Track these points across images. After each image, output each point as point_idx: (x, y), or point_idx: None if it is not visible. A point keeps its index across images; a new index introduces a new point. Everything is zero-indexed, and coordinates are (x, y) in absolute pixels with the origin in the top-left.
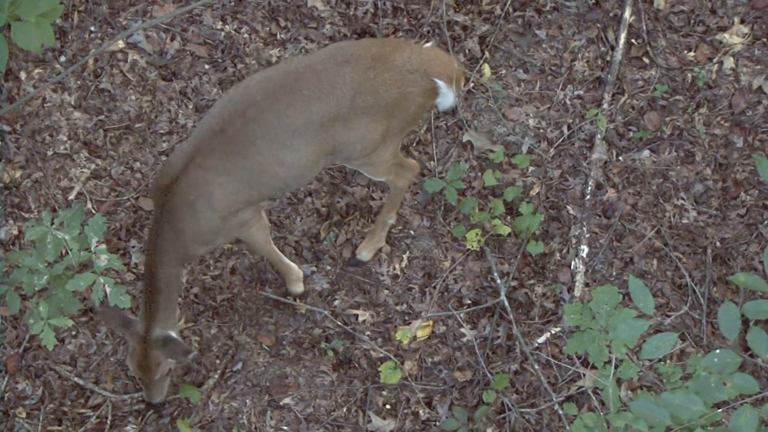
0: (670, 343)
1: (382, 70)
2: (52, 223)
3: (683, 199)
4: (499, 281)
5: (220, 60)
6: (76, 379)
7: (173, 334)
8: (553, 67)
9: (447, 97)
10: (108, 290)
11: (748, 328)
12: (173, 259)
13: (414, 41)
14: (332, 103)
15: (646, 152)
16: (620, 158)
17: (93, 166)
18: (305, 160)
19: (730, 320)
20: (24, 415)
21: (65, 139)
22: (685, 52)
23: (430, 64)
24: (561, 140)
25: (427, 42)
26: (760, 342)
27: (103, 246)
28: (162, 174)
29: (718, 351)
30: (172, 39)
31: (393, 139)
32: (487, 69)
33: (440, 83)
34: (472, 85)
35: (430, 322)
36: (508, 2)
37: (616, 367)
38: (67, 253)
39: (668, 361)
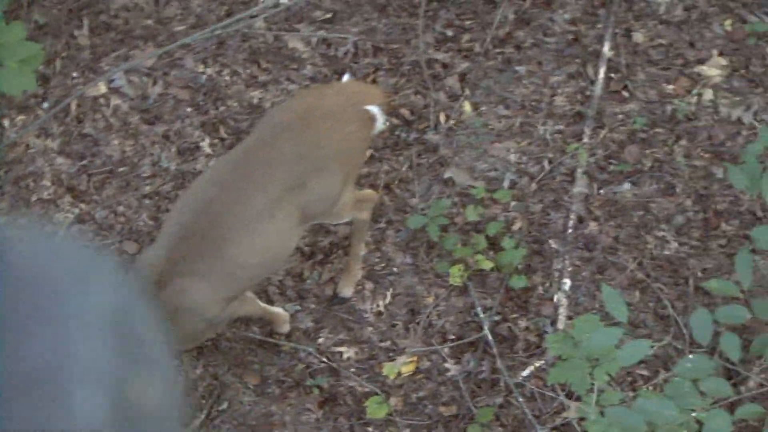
0: (644, 350)
1: (316, 123)
2: None
3: (664, 230)
4: (482, 316)
5: (202, 102)
6: None
7: None
8: (533, 103)
9: (381, 121)
10: None
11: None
12: None
13: (394, 80)
14: (284, 175)
15: (627, 185)
16: (601, 191)
17: (77, 210)
18: (276, 241)
19: (703, 326)
20: None
21: (49, 184)
22: (665, 85)
23: (356, 96)
24: (542, 175)
25: (342, 76)
26: (732, 346)
27: None
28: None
29: (691, 356)
30: (154, 83)
31: (350, 181)
32: (467, 106)
33: (373, 109)
34: (453, 122)
35: (415, 358)
36: (488, 39)
37: (598, 394)
38: None
39: (649, 388)
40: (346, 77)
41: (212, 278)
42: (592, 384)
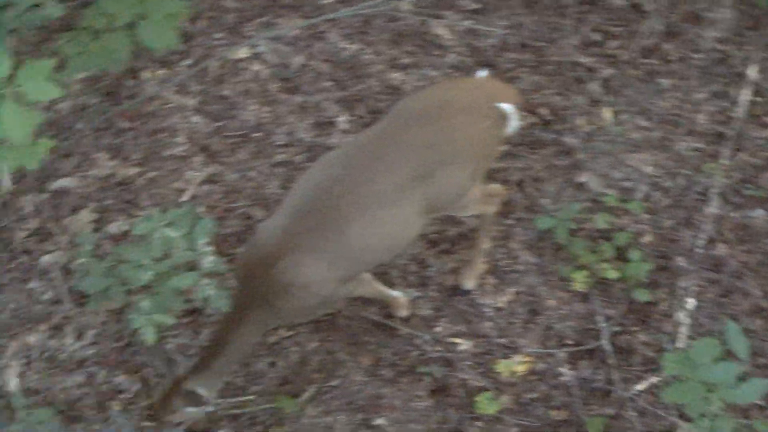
0: (763, 388)
1: (451, 116)
2: (162, 221)
3: None
4: (602, 325)
5: (342, 78)
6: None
7: (203, 392)
8: (674, 117)
9: (514, 121)
10: (211, 292)
11: None
12: (256, 330)
13: (537, 78)
14: (414, 164)
15: (761, 211)
16: (734, 214)
17: (208, 170)
18: (398, 227)
19: None
20: (119, 408)
21: (183, 141)
22: None
23: (492, 93)
24: (676, 191)
25: (482, 69)
26: None
27: (210, 248)
28: (252, 251)
29: None
30: (297, 53)
31: (479, 176)
32: (608, 112)
33: (508, 108)
34: (592, 127)
35: (531, 358)
36: (635, 48)
37: (711, 420)
38: (173, 251)
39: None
40: (484, 73)
41: (329, 257)
42: (707, 408)
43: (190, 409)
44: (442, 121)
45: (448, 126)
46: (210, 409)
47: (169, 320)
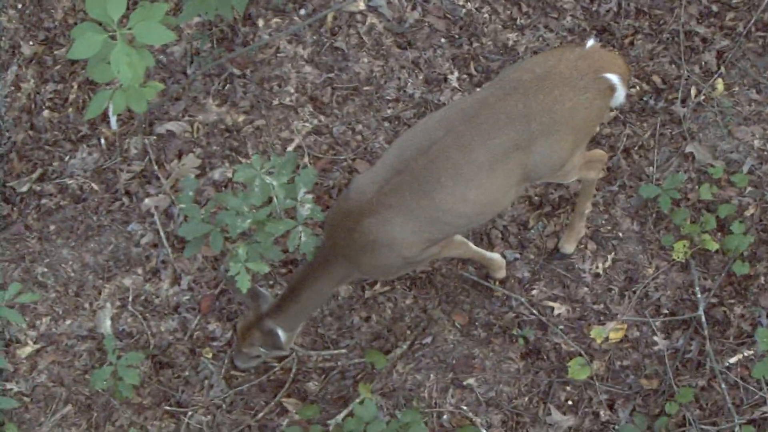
0: None
1: (551, 87)
2: (263, 168)
3: None
4: (699, 296)
5: (457, 36)
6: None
7: (281, 333)
8: None
9: (621, 92)
10: (303, 239)
11: None
12: (333, 282)
13: (651, 46)
14: (511, 133)
15: None
16: None
17: (315, 121)
18: (490, 195)
19: None
20: (210, 355)
21: (292, 91)
22: None
23: (598, 64)
24: None
25: (589, 40)
26: None
27: (310, 196)
28: (343, 204)
29: None
30: (413, 8)
31: (580, 146)
32: (720, 84)
33: (613, 79)
34: (703, 98)
35: (625, 326)
36: (752, 21)
37: None
38: (274, 199)
39: None
40: (591, 42)
41: (417, 218)
42: None
43: (264, 350)
44: (542, 92)
45: (547, 97)
46: (283, 353)
47: (264, 268)
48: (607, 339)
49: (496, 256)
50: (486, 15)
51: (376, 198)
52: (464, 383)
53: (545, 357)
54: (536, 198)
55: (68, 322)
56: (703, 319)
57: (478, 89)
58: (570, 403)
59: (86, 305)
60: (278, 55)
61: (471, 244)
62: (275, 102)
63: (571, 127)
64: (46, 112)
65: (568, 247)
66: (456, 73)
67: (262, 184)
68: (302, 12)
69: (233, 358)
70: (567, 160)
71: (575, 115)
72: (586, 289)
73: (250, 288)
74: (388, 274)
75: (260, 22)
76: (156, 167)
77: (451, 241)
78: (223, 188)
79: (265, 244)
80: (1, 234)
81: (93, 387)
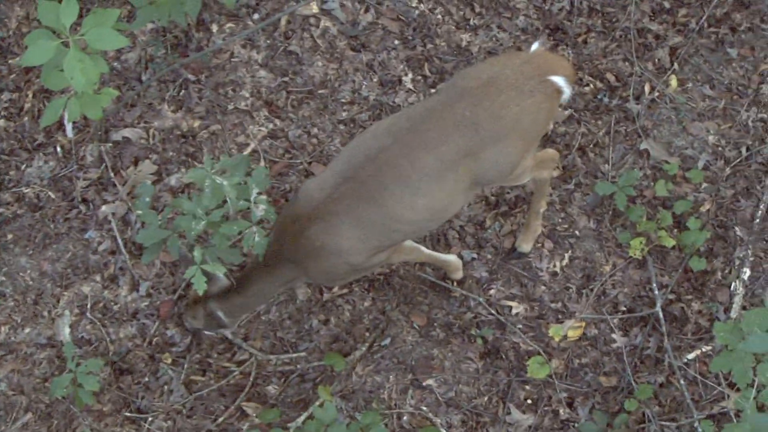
0: None
1: (497, 93)
2: (213, 169)
3: None
4: (657, 292)
5: (410, 38)
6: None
7: (222, 316)
8: (740, 87)
9: (567, 93)
10: (256, 239)
11: None
12: (278, 283)
13: (604, 44)
14: (459, 141)
15: None
16: None
17: (271, 125)
18: (438, 203)
19: None
20: (169, 361)
21: (247, 95)
22: None
23: (543, 67)
24: (738, 160)
25: (534, 44)
26: None
27: (264, 197)
28: (291, 208)
29: None
30: (366, 11)
31: (530, 150)
32: (674, 80)
33: (559, 81)
34: (657, 94)
35: (583, 324)
36: (704, 17)
37: (758, 390)
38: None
39: None
40: (535, 46)
41: (365, 226)
42: (754, 379)
43: (207, 331)
44: (488, 99)
45: (494, 104)
46: (226, 333)
47: (221, 270)
48: (565, 337)
49: (452, 257)
50: (439, 16)
51: (323, 204)
52: (424, 384)
53: (504, 356)
54: (492, 198)
55: (27, 330)
56: (661, 315)
57: (428, 95)
58: (529, 401)
59: (45, 313)
60: (232, 59)
61: (423, 249)
62: (230, 107)
63: (519, 132)
64: (1, 122)
65: (525, 246)
66: (410, 75)
67: (213, 185)
68: (256, 16)
69: (182, 315)
70: (517, 164)
71: (522, 119)
72: (543, 287)
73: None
74: (335, 280)
75: (214, 28)
76: (112, 174)
77: (401, 246)
78: (179, 194)
79: (221, 247)
80: None
81: (53, 395)
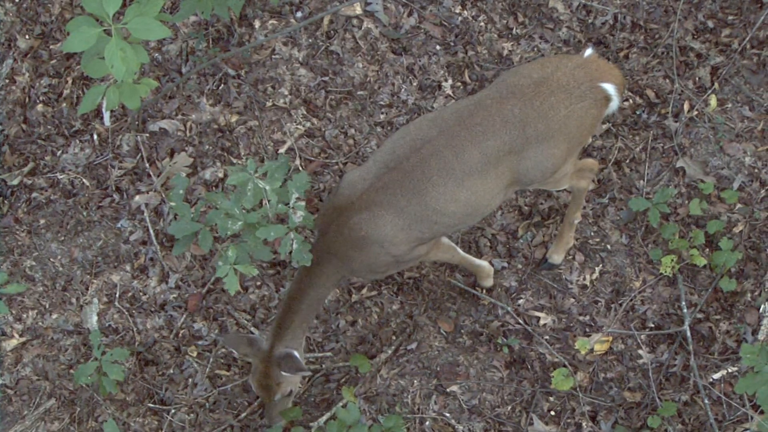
0: None
1: (548, 94)
2: (256, 172)
3: None
4: (685, 310)
5: (452, 43)
6: (252, 328)
7: (295, 352)
8: None
9: (615, 102)
10: (294, 246)
11: None
12: (329, 283)
13: (646, 60)
14: (505, 137)
15: None
16: None
17: (308, 124)
18: (480, 197)
19: None
20: (195, 354)
21: (286, 93)
22: None
23: (594, 74)
24: None
25: (587, 49)
26: None
27: (302, 203)
28: (333, 200)
29: None
30: (409, 14)
31: (573, 154)
32: (713, 100)
33: (610, 89)
34: (695, 113)
35: (610, 338)
36: (747, 38)
37: None
38: (265, 203)
39: None
40: (588, 51)
41: (407, 216)
42: None
43: (287, 375)
44: (538, 98)
45: (543, 104)
46: (306, 373)
47: (253, 271)
48: (591, 351)
49: (484, 263)
50: (482, 23)
51: (366, 194)
52: (447, 390)
53: (529, 366)
54: (526, 208)
55: (54, 316)
56: (689, 333)
57: (476, 93)
58: (552, 413)
59: (73, 300)
60: (273, 56)
61: (459, 250)
62: (269, 103)
63: (565, 135)
64: (39, 106)
65: (557, 257)
66: (450, 81)
67: (255, 188)
68: (299, 14)
69: (267, 420)
70: (559, 167)
71: (570, 122)
72: (572, 300)
73: (243, 337)
74: (377, 272)
75: (256, 23)
76: (147, 165)
77: (439, 243)
78: (213, 188)
79: (255, 247)
80: None
81: (77, 382)
